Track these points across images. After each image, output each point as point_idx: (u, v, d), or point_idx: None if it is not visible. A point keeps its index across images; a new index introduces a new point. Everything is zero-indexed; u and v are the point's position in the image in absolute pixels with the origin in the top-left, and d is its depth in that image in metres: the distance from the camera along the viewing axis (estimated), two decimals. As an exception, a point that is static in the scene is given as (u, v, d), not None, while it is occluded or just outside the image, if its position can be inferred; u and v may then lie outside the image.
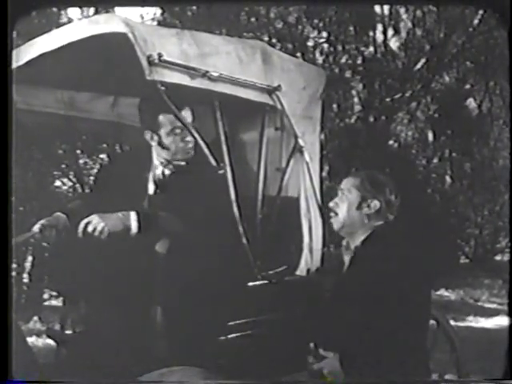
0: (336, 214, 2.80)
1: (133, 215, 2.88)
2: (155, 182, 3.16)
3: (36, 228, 3.01)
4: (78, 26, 2.82)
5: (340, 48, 9.87)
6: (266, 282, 2.99)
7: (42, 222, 3.04)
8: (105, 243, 2.85)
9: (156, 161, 3.16)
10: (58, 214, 3.10)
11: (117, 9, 5.98)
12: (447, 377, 3.35)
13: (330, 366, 2.59)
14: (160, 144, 3.10)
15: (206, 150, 2.85)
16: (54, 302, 7.10)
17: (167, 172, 3.14)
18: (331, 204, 2.85)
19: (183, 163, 3.13)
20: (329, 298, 2.81)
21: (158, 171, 3.15)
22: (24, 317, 6.47)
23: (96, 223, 2.82)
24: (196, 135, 2.91)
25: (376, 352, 2.54)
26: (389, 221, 2.79)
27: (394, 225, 2.82)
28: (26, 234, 3.02)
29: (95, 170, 7.28)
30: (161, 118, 3.06)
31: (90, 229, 2.83)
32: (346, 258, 2.80)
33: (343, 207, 2.78)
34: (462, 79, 11.25)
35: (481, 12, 9.38)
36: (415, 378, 2.64)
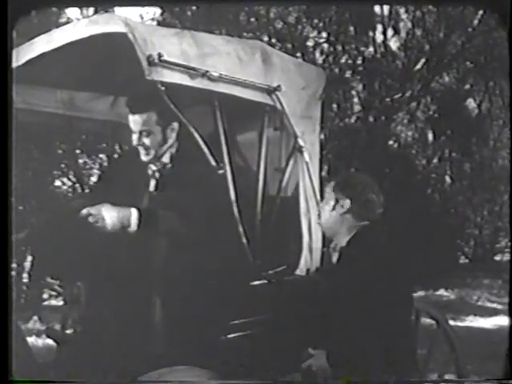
0: (320, 217, 2.89)
1: (134, 212, 2.86)
2: (156, 179, 3.15)
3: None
4: (78, 25, 2.80)
5: (340, 48, 9.88)
6: (265, 281, 2.99)
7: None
8: (105, 242, 2.85)
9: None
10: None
11: (116, 9, 5.98)
12: (447, 377, 3.35)
13: (317, 362, 2.63)
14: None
15: (206, 150, 2.85)
16: (53, 302, 7.11)
17: (162, 170, 3.13)
18: (319, 208, 2.96)
19: (185, 161, 3.12)
20: (321, 297, 2.84)
21: (155, 168, 3.15)
22: (24, 317, 6.47)
23: (98, 217, 2.80)
24: (196, 135, 2.91)
25: (363, 350, 2.56)
26: (370, 220, 2.82)
27: (378, 225, 2.85)
28: (23, 232, 3.02)
29: (95, 170, 7.29)
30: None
31: (91, 219, 2.81)
32: (334, 259, 2.85)
33: (325, 210, 2.85)
34: (461, 79, 11.27)
35: (480, 12, 9.40)
36: (404, 377, 2.66)
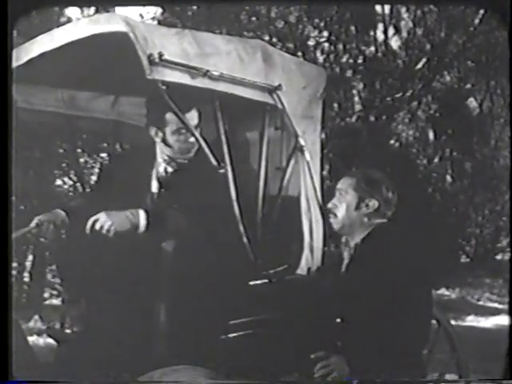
0: (335, 215, 2.83)
1: (142, 213, 2.86)
2: (158, 180, 3.15)
3: (33, 223, 3.02)
4: (79, 25, 2.81)
5: (341, 47, 9.88)
6: (266, 281, 2.99)
7: (40, 217, 3.05)
8: (107, 241, 2.85)
9: (159, 158, 3.16)
10: (57, 210, 3.11)
11: (117, 8, 5.98)
12: (448, 377, 3.35)
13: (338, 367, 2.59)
14: (164, 141, 3.10)
15: (207, 150, 2.85)
16: (54, 301, 7.12)
17: (170, 169, 3.14)
18: (330, 205, 2.90)
19: (185, 161, 3.12)
20: (328, 296, 2.82)
21: (161, 168, 3.15)
22: (24, 316, 6.48)
23: (103, 221, 2.81)
24: (197, 135, 2.91)
25: (373, 351, 2.55)
26: (388, 218, 2.81)
27: (394, 223, 2.83)
28: (22, 229, 3.02)
29: (96, 169, 7.30)
30: (168, 116, 3.04)
31: (97, 226, 2.81)
32: (346, 256, 2.83)
33: (342, 208, 2.81)
34: (462, 78, 11.26)
35: (481, 12, 9.41)
36: (409, 378, 2.65)
